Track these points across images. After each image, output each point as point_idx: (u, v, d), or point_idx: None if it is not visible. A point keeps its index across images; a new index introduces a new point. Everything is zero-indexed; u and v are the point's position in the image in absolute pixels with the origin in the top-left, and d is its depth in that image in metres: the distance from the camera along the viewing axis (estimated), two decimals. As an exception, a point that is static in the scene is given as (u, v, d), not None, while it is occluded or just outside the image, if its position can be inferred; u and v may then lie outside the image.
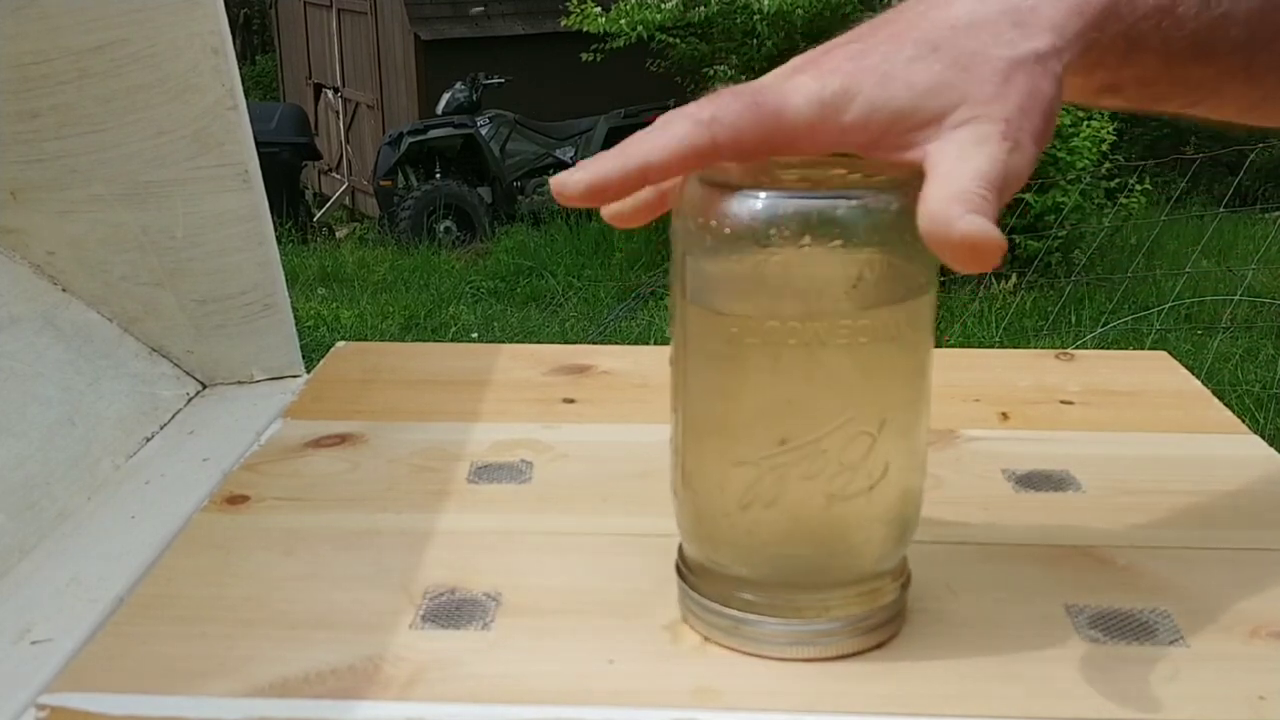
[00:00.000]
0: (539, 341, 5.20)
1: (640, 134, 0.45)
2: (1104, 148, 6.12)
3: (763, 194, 0.45)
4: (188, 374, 0.81)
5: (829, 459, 0.46)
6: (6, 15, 0.71)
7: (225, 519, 0.62)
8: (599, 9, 7.52)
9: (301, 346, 0.84)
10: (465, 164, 8.14)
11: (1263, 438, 0.71)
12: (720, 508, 0.48)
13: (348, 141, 10.72)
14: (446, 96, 8.31)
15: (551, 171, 8.23)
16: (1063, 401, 0.77)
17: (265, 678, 0.48)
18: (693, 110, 0.44)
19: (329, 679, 0.48)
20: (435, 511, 0.62)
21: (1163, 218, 5.89)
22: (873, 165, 0.47)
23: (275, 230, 0.81)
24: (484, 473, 0.67)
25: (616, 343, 5.00)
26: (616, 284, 6.31)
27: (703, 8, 7.35)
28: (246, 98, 0.79)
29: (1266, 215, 6.96)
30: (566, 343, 4.49)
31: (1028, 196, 5.88)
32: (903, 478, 0.48)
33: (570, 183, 0.45)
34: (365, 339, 4.58)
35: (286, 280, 0.82)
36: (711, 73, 7.62)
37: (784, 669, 0.48)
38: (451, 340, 5.31)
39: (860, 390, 0.46)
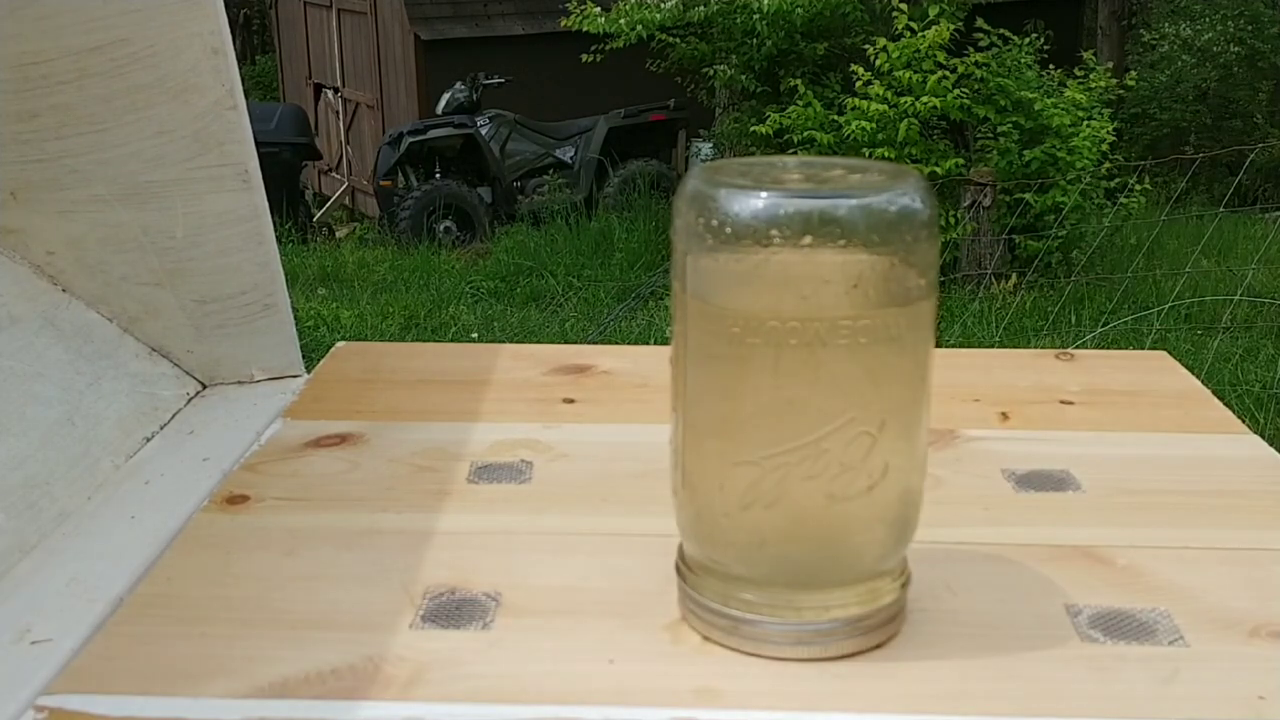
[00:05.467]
0: (539, 341, 5.20)
1: None
2: (1104, 148, 6.12)
3: (764, 194, 0.45)
4: (188, 374, 0.81)
5: (830, 459, 0.46)
6: (6, 15, 0.71)
7: (225, 519, 0.62)
8: (599, 9, 7.52)
9: (301, 346, 0.84)
10: (465, 164, 8.14)
11: (1263, 438, 0.71)
12: (721, 508, 0.48)
13: (348, 141, 10.71)
14: (446, 96, 8.30)
15: (551, 172, 8.24)
16: (1063, 401, 0.77)
17: (265, 678, 0.48)
18: None
19: (329, 679, 0.48)
20: (435, 511, 0.62)
21: (1163, 218, 5.89)
22: (874, 166, 0.47)
23: (275, 230, 0.81)
24: (484, 473, 0.67)
25: (616, 343, 5.00)
26: (616, 284, 6.31)
27: (703, 7, 7.36)
28: (246, 98, 0.79)
29: (1266, 215, 6.97)
30: (566, 343, 4.49)
31: (1028, 196, 5.89)
32: (903, 478, 0.48)
33: None
34: (365, 339, 4.58)
35: (286, 280, 0.82)
36: (711, 72, 7.62)
37: (784, 669, 0.48)
38: (451, 340, 5.30)
39: (861, 390, 0.46)
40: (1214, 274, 5.62)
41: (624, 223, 7.38)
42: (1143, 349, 2.53)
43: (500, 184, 8.16)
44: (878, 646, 0.49)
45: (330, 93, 11.10)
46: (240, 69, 0.77)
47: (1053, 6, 9.86)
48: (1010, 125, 6.16)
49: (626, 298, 5.95)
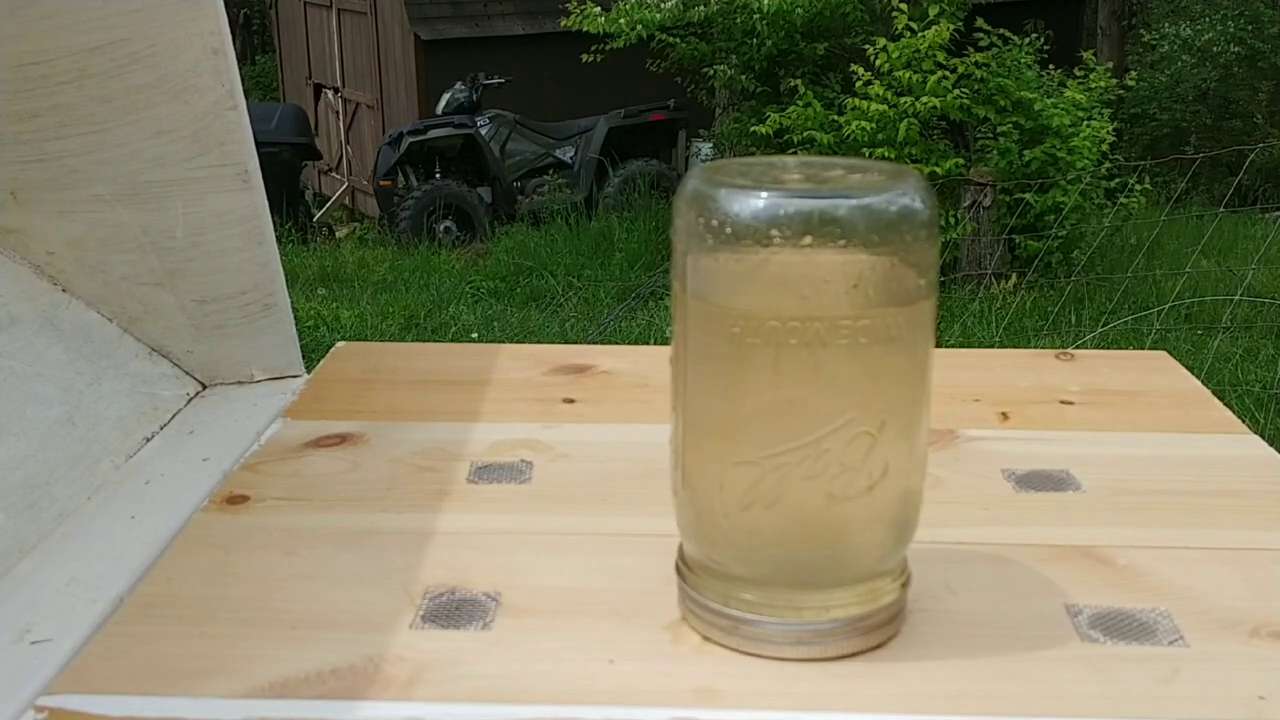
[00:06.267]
0: (539, 341, 5.20)
1: None
2: (1104, 148, 6.12)
3: (764, 194, 0.45)
4: (188, 374, 0.81)
5: (830, 459, 0.46)
6: (6, 15, 0.71)
7: (225, 519, 0.62)
8: (599, 9, 7.51)
9: (301, 346, 0.84)
10: (465, 164, 8.14)
11: (1263, 438, 0.71)
12: (720, 508, 0.48)
13: (348, 141, 10.71)
14: (446, 96, 8.30)
15: (551, 172, 8.23)
16: (1063, 401, 0.77)
17: (265, 678, 0.48)
18: None
19: (329, 679, 0.48)
20: (435, 511, 0.62)
21: (1163, 218, 5.89)
22: (874, 166, 0.47)
23: (275, 230, 0.81)
24: (484, 473, 0.67)
25: (616, 343, 5.00)
26: (616, 284, 6.31)
27: (703, 7, 7.36)
28: (246, 98, 0.79)
29: (1266, 215, 6.97)
30: (566, 343, 4.49)
31: (1028, 196, 5.89)
32: (903, 478, 0.48)
33: None
34: (365, 339, 4.58)
35: (286, 280, 0.82)
36: (711, 72, 7.62)
37: (784, 669, 0.48)
38: (451, 340, 5.30)
39: (861, 390, 0.46)
40: (1214, 274, 5.62)
41: (624, 223, 7.38)
42: (1143, 349, 2.53)
43: (500, 184, 8.16)
44: (878, 646, 0.49)
45: (330, 93, 11.09)
46: (240, 69, 0.77)
47: (1053, 6, 9.86)
48: (1010, 125, 6.16)
49: (626, 298, 5.95)
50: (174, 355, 0.81)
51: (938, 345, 0.50)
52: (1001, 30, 6.46)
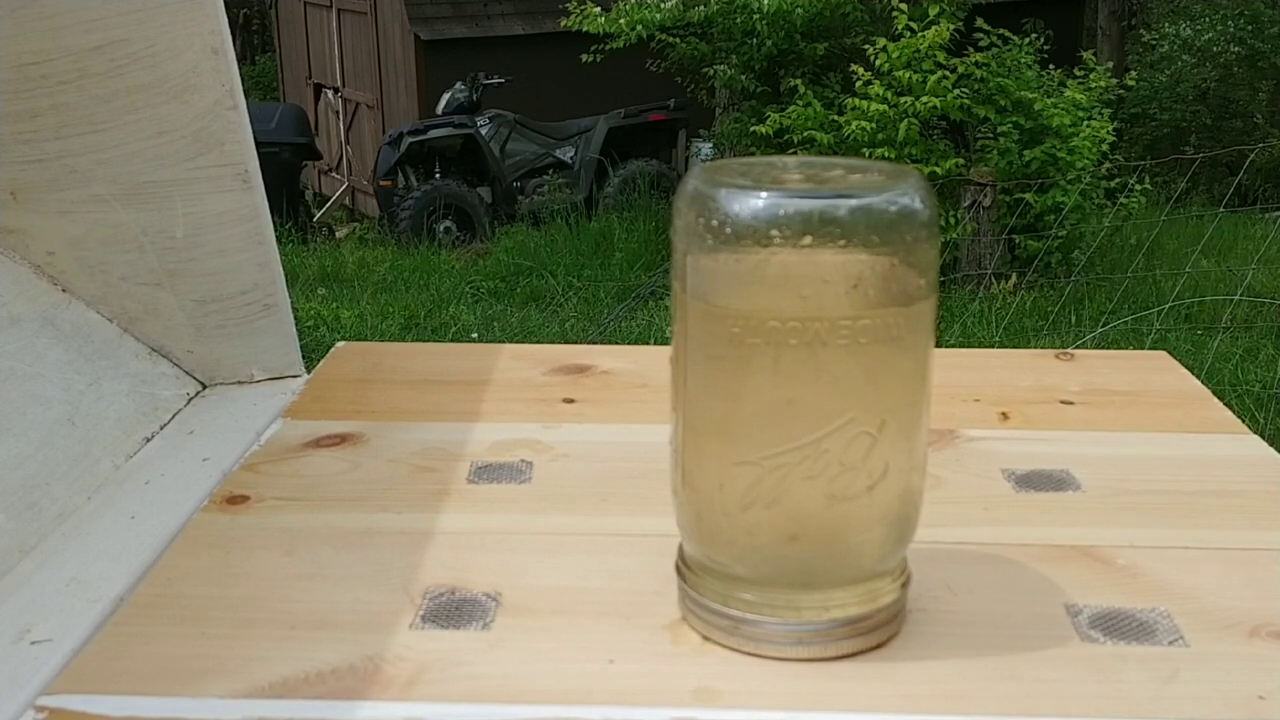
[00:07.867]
0: (539, 341, 5.19)
1: None
2: (1104, 148, 6.12)
3: (764, 194, 0.45)
4: (188, 374, 0.81)
5: (830, 459, 0.46)
6: (6, 15, 0.71)
7: (225, 519, 0.62)
8: (599, 9, 7.52)
9: (301, 346, 0.84)
10: (465, 164, 8.14)
11: (1263, 438, 0.71)
12: (720, 508, 0.48)
13: (348, 141, 10.71)
14: (446, 96, 8.30)
15: (551, 172, 8.23)
16: (1063, 401, 0.77)
17: (265, 678, 0.48)
18: None
19: (329, 679, 0.48)
20: (435, 511, 0.62)
21: (1163, 218, 5.89)
22: (874, 166, 0.47)
23: (275, 230, 0.81)
24: (484, 473, 0.67)
25: (616, 343, 5.00)
26: (616, 284, 6.31)
27: (703, 7, 7.36)
28: (246, 98, 0.79)
29: (1266, 215, 6.97)
30: (566, 343, 4.49)
31: (1028, 196, 5.88)
32: (903, 478, 0.48)
33: None
34: (365, 339, 4.58)
35: (286, 280, 0.82)
36: (711, 72, 7.62)
37: (784, 669, 0.48)
38: (451, 340, 5.30)
39: (861, 390, 0.46)
40: (1214, 274, 5.62)
41: (624, 223, 7.38)
42: (1143, 349, 2.53)
43: (500, 184, 8.16)
44: (878, 646, 0.49)
45: (330, 93, 11.10)
46: (240, 69, 0.77)
47: (1053, 6, 9.87)
48: (1010, 125, 6.16)
49: (626, 298, 5.95)
50: (174, 355, 0.81)
51: (938, 345, 0.50)
52: (1001, 30, 6.46)
